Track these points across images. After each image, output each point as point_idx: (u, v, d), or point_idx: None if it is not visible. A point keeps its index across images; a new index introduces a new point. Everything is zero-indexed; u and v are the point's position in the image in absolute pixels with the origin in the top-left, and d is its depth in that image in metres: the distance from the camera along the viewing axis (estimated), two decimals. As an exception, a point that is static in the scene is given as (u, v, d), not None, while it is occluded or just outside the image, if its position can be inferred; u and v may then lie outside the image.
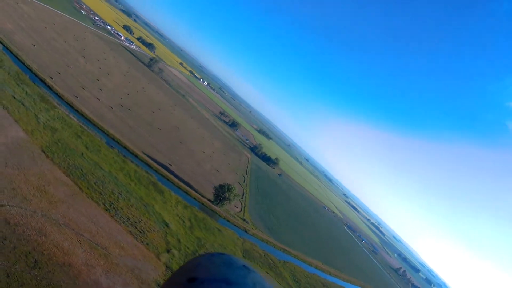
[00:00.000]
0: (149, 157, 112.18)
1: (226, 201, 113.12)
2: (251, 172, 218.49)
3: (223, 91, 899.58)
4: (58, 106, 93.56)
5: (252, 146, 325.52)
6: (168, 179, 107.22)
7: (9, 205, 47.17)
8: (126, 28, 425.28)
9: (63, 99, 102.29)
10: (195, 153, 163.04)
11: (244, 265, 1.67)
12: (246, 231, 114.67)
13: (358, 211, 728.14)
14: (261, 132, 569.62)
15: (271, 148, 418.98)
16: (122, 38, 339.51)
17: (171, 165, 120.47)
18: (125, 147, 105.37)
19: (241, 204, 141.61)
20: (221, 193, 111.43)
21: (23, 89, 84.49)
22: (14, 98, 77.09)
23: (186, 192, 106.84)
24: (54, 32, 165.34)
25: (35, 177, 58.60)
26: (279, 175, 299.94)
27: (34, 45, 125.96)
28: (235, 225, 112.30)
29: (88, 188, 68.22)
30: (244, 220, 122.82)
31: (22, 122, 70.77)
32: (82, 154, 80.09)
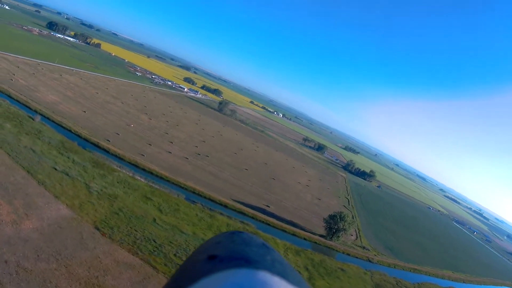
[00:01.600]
0: (242, 203, 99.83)
1: (341, 232, 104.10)
2: (352, 191, 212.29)
3: (299, 119, 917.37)
4: (118, 169, 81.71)
5: (344, 165, 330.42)
6: (268, 224, 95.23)
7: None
8: (188, 80, 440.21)
9: (124, 160, 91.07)
10: (290, 186, 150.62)
11: (263, 244, 1.76)
12: (370, 261, 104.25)
13: (458, 203, 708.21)
14: (348, 149, 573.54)
15: (362, 162, 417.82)
16: (186, 90, 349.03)
17: (269, 206, 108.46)
18: (210, 199, 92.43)
19: (355, 230, 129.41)
20: (334, 225, 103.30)
21: (68, 157, 73.30)
22: (55, 169, 65.03)
23: (294, 234, 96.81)
24: (108, 96, 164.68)
25: (83, 268, 42.41)
26: (378, 187, 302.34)
27: (85, 111, 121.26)
28: (356, 257, 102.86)
29: (165, 265, 50.83)
30: (364, 247, 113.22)
31: (65, 197, 57.19)
32: (155, 219, 64.73)
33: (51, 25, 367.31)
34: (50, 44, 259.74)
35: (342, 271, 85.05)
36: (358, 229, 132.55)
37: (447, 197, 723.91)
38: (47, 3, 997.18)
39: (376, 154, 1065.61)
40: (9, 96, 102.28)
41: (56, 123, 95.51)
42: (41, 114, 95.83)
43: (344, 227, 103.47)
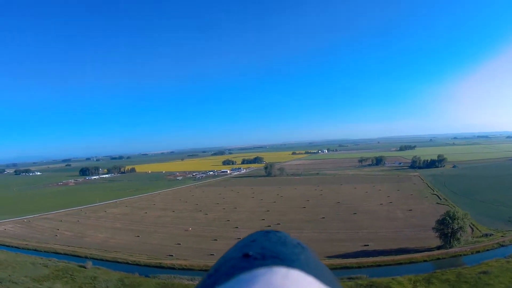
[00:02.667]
0: (337, 256, 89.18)
1: (459, 232, 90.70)
2: (434, 184, 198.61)
3: (343, 145, 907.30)
4: (190, 282, 70.68)
5: (410, 164, 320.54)
6: (379, 264, 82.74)
7: None
8: (227, 162, 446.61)
9: (194, 270, 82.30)
10: (375, 212, 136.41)
11: (298, 243, 1.78)
12: (502, 245, 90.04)
13: None
14: (403, 148, 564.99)
15: (424, 153, 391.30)
16: (229, 172, 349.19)
17: (368, 245, 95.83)
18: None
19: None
20: (447, 229, 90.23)
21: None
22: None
23: (411, 261, 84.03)
24: (157, 211, 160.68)
25: None
26: (453, 167, 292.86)
27: (138, 236, 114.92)
28: (487, 250, 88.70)
29: None
30: (486, 235, 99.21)
31: None
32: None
33: (84, 172, 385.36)
34: (88, 188, 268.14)
35: (484, 274, 72.51)
36: (467, 219, 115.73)
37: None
38: (75, 155, 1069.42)
39: (430, 139, 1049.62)
40: (56, 253, 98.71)
41: (110, 261, 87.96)
42: (92, 258, 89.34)
43: (460, 225, 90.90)
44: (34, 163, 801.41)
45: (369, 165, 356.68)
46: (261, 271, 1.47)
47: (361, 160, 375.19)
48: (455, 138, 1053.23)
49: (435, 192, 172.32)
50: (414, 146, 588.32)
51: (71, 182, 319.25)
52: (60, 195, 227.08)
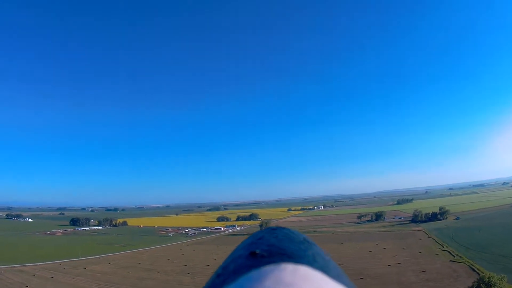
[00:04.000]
0: None
1: None
2: (442, 239, 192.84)
3: (339, 201, 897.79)
4: None
5: (411, 219, 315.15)
6: None
7: None
8: (221, 219, 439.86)
9: None
10: (385, 276, 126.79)
11: (305, 239, 1.79)
12: None
13: None
14: (401, 202, 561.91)
15: (422, 206, 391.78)
16: (222, 229, 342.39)
17: None
18: None
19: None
20: None
21: None
22: None
23: None
24: (141, 271, 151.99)
25: None
26: (457, 218, 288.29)
27: None
28: None
29: None
30: None
31: None
32: None
33: (74, 222, 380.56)
34: (75, 239, 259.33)
35: None
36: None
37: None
38: (71, 203, 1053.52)
39: (426, 192, 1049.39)
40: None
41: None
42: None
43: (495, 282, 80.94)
44: (29, 208, 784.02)
45: (368, 221, 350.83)
46: (269, 268, 1.51)
47: (360, 216, 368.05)
48: (451, 188, 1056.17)
49: (445, 248, 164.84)
50: (412, 199, 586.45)
51: (59, 232, 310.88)
52: (44, 245, 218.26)
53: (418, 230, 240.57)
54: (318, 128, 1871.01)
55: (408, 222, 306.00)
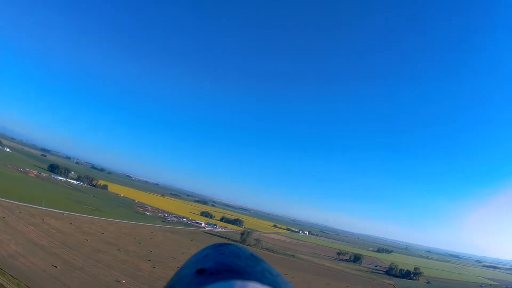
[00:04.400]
0: None
1: None
2: None
3: (325, 232, 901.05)
4: None
5: (386, 269, 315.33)
6: None
7: None
8: (205, 214, 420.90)
9: None
10: None
11: (252, 254, 1.76)
12: None
13: (498, 268, 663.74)
14: (380, 250, 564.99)
15: (399, 261, 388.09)
16: (203, 224, 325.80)
17: None
18: None
19: None
20: None
21: None
22: None
23: None
24: (101, 243, 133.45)
25: None
26: (427, 282, 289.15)
27: (56, 266, 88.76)
28: None
29: None
30: None
31: None
32: None
33: (53, 168, 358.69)
34: (45, 186, 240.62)
35: None
36: None
37: (486, 266, 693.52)
38: (57, 148, 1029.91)
39: (406, 247, 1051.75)
40: None
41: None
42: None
43: None
44: (12, 138, 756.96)
45: (346, 260, 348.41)
46: (218, 286, 1.49)
47: (339, 253, 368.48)
48: (428, 251, 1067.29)
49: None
50: (391, 251, 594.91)
51: (32, 172, 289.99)
52: (9, 181, 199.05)
53: (389, 284, 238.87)
54: (319, 156, 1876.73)
55: (383, 272, 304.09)
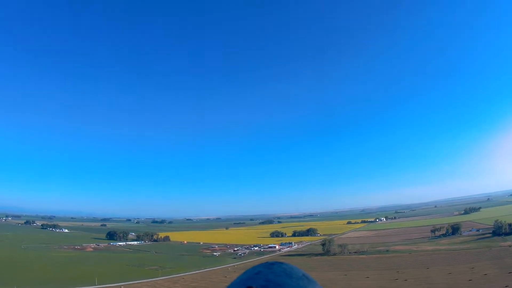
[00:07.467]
0: None
1: None
2: None
3: (400, 212, 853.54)
4: None
5: (493, 230, 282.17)
6: None
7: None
8: (275, 234, 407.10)
9: None
10: None
11: (304, 275, 1.76)
12: None
13: None
14: (467, 211, 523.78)
15: (492, 216, 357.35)
16: (277, 247, 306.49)
17: None
18: None
19: None
20: None
21: None
22: None
23: None
24: None
25: None
26: None
27: None
28: None
29: None
30: None
31: None
32: None
33: (111, 235, 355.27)
34: (104, 257, 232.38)
35: None
36: None
37: None
38: (117, 214, 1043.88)
39: (488, 199, 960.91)
40: None
41: None
42: None
43: None
44: (72, 218, 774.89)
45: (443, 235, 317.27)
46: None
47: (434, 230, 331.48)
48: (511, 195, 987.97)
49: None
50: (479, 208, 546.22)
51: (90, 246, 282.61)
52: (62, 264, 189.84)
53: (510, 246, 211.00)
54: (368, 136, 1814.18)
55: (490, 235, 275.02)
